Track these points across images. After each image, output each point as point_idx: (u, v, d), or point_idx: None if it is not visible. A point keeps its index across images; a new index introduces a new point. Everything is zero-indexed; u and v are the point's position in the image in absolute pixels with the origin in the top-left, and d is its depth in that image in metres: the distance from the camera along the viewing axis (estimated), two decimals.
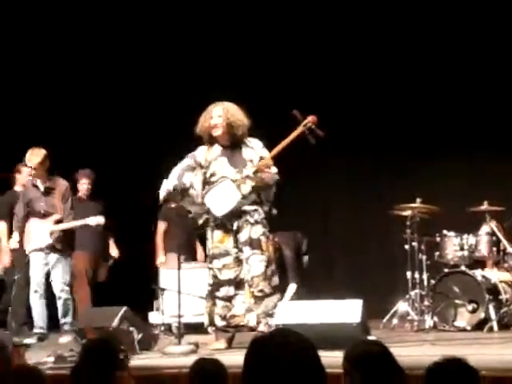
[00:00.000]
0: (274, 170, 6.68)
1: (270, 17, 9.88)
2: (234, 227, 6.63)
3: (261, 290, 6.60)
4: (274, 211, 6.73)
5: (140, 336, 6.62)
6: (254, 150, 6.71)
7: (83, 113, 10.22)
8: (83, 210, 8.59)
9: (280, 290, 6.89)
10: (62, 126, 9.98)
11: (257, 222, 6.65)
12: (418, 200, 8.31)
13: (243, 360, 2.31)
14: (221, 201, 6.60)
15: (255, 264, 6.62)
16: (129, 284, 9.04)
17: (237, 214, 6.61)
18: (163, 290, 8.51)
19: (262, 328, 6.55)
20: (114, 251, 9.23)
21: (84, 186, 9.06)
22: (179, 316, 6.69)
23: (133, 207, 9.43)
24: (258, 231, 6.65)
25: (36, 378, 2.99)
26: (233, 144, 6.72)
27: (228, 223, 6.64)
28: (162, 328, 8.50)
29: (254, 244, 6.63)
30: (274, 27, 9.86)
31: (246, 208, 6.63)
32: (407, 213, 8.44)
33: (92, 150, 9.71)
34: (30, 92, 10.12)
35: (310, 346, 2.28)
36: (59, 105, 10.17)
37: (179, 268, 6.67)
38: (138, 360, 5.99)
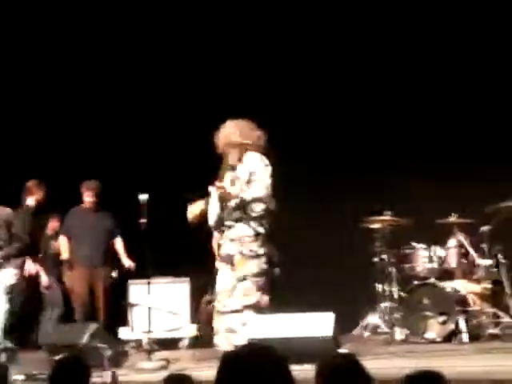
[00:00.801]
0: (234, 190, 6.64)
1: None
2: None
3: (224, 306, 6.58)
4: (261, 230, 6.65)
5: (110, 352, 6.57)
6: (246, 166, 6.71)
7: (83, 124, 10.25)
8: (91, 223, 8.60)
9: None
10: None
11: (232, 240, 6.64)
12: (388, 213, 8.35)
13: (215, 376, 2.30)
14: (211, 212, 6.72)
15: (222, 279, 6.62)
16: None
17: (220, 226, 6.65)
18: (133, 305, 8.48)
19: (219, 342, 6.53)
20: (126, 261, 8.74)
21: (88, 198, 8.76)
22: (149, 332, 6.65)
23: None
24: (233, 248, 6.63)
25: None
26: (233, 162, 6.75)
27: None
28: (133, 344, 8.46)
29: (226, 259, 6.63)
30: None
31: (226, 223, 6.66)
32: (377, 225, 8.48)
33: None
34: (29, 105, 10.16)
35: (282, 361, 2.27)
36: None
37: (149, 283, 6.64)
38: (109, 376, 5.94)
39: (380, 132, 9.68)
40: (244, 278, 6.57)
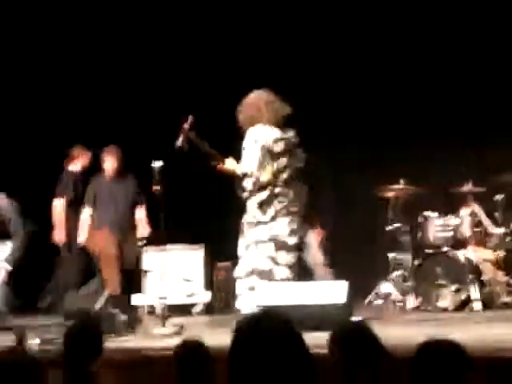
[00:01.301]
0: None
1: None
2: None
3: (235, 272, 6.74)
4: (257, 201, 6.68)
5: (124, 318, 6.62)
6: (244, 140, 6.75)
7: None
8: (111, 191, 8.40)
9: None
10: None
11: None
12: (402, 182, 8.34)
13: (230, 343, 2.32)
14: None
15: (238, 246, 6.75)
16: None
17: None
18: (147, 271, 8.52)
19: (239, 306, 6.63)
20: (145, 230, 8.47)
21: (110, 164, 8.43)
22: (163, 298, 6.70)
23: None
24: (243, 217, 6.75)
25: (31, 364, 2.98)
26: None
27: None
28: (147, 310, 8.51)
29: (240, 227, 6.77)
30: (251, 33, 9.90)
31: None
32: (390, 194, 8.47)
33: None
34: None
35: (294, 328, 2.29)
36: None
37: (163, 250, 6.68)
38: (123, 342, 6.00)
39: (398, 103, 9.65)
40: (249, 246, 6.64)
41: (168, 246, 7.73)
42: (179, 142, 6.62)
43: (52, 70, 10.29)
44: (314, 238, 7.79)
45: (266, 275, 6.51)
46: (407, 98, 9.68)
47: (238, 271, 6.67)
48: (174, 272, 7.99)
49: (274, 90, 6.87)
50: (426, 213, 8.33)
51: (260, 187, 6.65)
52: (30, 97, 10.27)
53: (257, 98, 6.76)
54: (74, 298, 7.42)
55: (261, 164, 6.63)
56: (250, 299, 6.42)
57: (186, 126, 6.67)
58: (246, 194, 6.67)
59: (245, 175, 6.66)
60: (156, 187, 6.76)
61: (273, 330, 2.25)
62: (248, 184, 6.66)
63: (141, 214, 8.48)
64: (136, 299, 8.81)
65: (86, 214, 8.39)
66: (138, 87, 10.30)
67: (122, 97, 10.30)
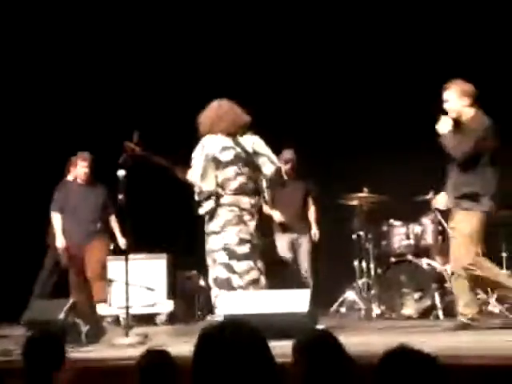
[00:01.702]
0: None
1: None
2: None
3: None
4: (201, 211, 6.73)
5: (87, 328, 6.56)
6: None
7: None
8: (83, 197, 8.43)
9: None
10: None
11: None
12: (366, 190, 8.38)
13: (193, 352, 2.29)
14: None
15: None
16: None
17: None
18: (111, 281, 8.46)
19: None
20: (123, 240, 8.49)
21: (83, 169, 8.51)
22: (127, 307, 6.65)
23: None
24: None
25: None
26: None
27: None
28: (110, 320, 8.45)
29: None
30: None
31: None
32: (355, 202, 8.50)
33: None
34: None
35: (260, 336, 2.27)
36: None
37: (127, 259, 6.63)
38: (86, 352, 5.94)
39: (362, 110, 9.71)
40: (208, 255, 6.71)
41: (131, 255, 7.67)
42: (121, 158, 6.70)
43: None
44: (306, 242, 8.03)
45: (225, 284, 6.52)
46: (370, 107, 9.74)
47: (209, 280, 6.74)
48: (137, 281, 7.94)
49: (243, 98, 6.88)
50: (390, 221, 8.38)
51: (205, 197, 6.65)
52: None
53: (214, 108, 6.78)
54: (36, 307, 7.33)
55: (204, 173, 6.63)
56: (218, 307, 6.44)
57: (128, 142, 6.74)
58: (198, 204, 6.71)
59: (193, 184, 6.71)
60: (120, 195, 6.72)
61: (238, 337, 2.23)
62: (196, 193, 6.69)
63: (115, 223, 8.58)
64: (100, 308, 8.76)
65: (58, 219, 8.39)
66: (101, 95, 10.25)
67: (84, 104, 10.25)
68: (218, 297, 6.50)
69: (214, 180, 6.64)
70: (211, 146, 6.67)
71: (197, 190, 6.69)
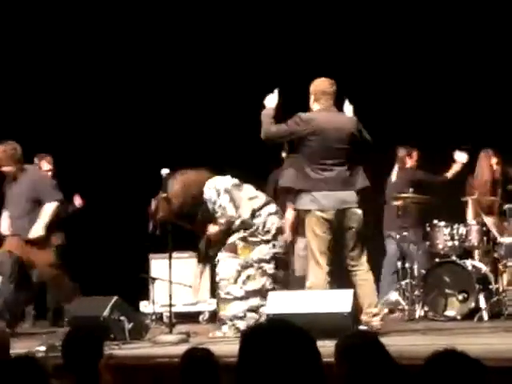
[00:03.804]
0: None
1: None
2: None
3: (228, 293, 6.71)
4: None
5: (131, 325, 6.62)
6: None
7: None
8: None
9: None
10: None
11: (233, 231, 6.84)
12: (411, 190, 8.32)
13: (238, 349, 2.29)
14: None
15: (225, 267, 6.76)
16: (120, 273, 9.02)
17: None
18: (154, 279, 8.51)
19: (226, 331, 6.67)
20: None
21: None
22: (170, 305, 6.69)
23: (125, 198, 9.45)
24: (233, 236, 6.83)
25: (35, 368, 2.98)
26: None
27: None
28: (154, 317, 8.51)
29: (228, 248, 6.79)
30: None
31: None
32: (399, 202, 8.45)
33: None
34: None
35: (305, 334, 2.26)
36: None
37: (170, 258, 6.67)
38: (129, 349, 5.99)
39: (411, 112, 9.65)
40: (248, 265, 6.71)
41: (175, 254, 7.71)
42: (150, 227, 6.86)
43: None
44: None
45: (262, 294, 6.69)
46: (421, 104, 9.66)
47: (236, 291, 6.82)
48: (180, 280, 7.98)
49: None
50: (434, 221, 8.32)
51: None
52: None
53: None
54: (80, 303, 7.40)
55: (235, 203, 6.84)
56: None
57: (151, 210, 6.88)
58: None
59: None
60: (164, 195, 6.78)
61: (286, 336, 2.22)
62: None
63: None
64: (143, 306, 8.82)
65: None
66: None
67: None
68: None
69: (247, 204, 6.81)
70: (220, 183, 6.86)
71: (238, 222, 6.78)
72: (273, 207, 6.91)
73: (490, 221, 8.12)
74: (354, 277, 6.48)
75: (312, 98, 6.59)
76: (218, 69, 10.05)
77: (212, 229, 6.94)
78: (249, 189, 6.94)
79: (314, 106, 6.59)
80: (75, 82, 10.25)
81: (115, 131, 10.09)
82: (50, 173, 8.57)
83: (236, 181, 6.97)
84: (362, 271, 6.49)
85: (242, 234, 6.78)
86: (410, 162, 8.89)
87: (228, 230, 6.82)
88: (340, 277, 7.86)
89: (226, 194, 6.81)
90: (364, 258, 6.56)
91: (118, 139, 10.07)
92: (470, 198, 8.35)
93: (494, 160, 8.54)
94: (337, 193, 6.41)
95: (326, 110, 6.54)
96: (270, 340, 2.22)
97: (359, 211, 6.58)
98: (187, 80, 10.17)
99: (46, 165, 8.65)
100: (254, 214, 6.77)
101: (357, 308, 6.23)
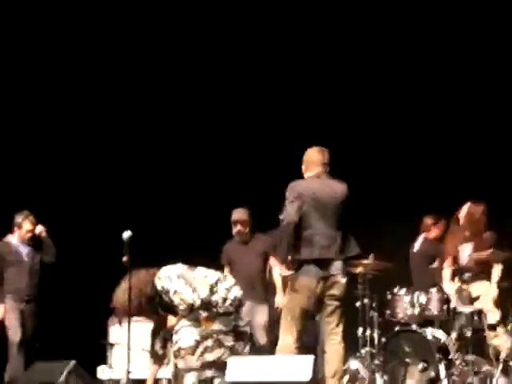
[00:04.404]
0: None
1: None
2: None
3: (185, 363, 6.69)
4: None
5: None
6: None
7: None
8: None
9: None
10: None
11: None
12: (371, 256, 8.34)
13: None
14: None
15: (184, 336, 6.72)
16: (78, 337, 8.90)
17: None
18: (112, 344, 8.41)
19: None
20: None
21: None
22: (128, 371, 6.60)
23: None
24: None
25: None
26: None
27: None
28: (111, 383, 8.38)
29: (190, 317, 6.77)
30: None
31: None
32: (359, 269, 8.46)
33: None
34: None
35: None
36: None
37: (129, 322, 6.60)
38: None
39: (367, 181, 9.76)
40: (208, 336, 6.69)
41: (134, 318, 7.65)
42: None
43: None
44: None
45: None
46: (379, 173, 9.79)
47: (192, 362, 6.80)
48: (139, 344, 7.88)
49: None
50: (394, 289, 8.33)
51: None
52: None
53: None
54: (35, 369, 7.28)
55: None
56: None
57: (113, 305, 6.90)
58: None
59: None
60: (125, 258, 6.73)
61: None
62: None
63: None
64: (101, 372, 8.68)
65: None
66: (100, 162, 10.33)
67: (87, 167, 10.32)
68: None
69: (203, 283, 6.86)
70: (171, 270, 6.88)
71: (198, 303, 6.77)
72: (229, 281, 6.91)
73: (450, 288, 8.14)
74: (326, 345, 6.47)
75: (303, 167, 6.75)
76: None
77: (170, 321, 6.95)
78: (200, 269, 6.96)
79: (307, 175, 6.72)
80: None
81: (77, 196, 10.07)
82: (29, 234, 8.45)
83: (185, 266, 6.96)
84: (335, 340, 6.48)
85: (203, 312, 6.76)
86: (435, 232, 8.82)
87: (189, 314, 6.78)
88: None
89: (179, 279, 6.79)
90: (340, 328, 6.55)
91: (80, 203, 10.04)
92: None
93: None
94: (325, 260, 6.43)
95: (317, 176, 6.61)
96: None
97: (343, 280, 6.60)
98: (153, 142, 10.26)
99: (27, 224, 8.49)
100: (212, 290, 6.75)
101: (317, 377, 6.19)
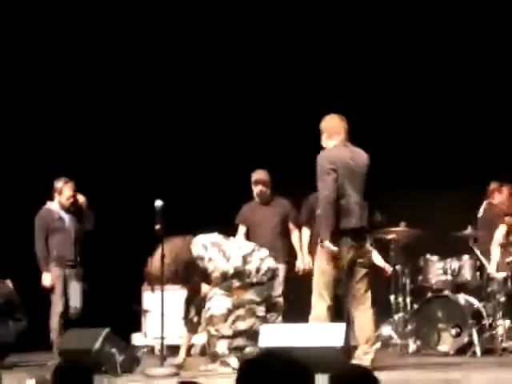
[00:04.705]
0: None
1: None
2: None
3: (217, 330, 6.75)
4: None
5: (122, 358, 6.58)
6: None
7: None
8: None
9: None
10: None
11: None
12: (402, 224, 8.32)
13: (236, 380, 2.27)
14: None
15: (217, 304, 6.77)
16: (112, 305, 8.98)
17: None
18: (146, 311, 8.48)
19: (217, 365, 6.68)
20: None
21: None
22: (162, 338, 6.66)
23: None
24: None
25: None
26: None
27: None
28: (145, 350, 8.46)
29: (223, 285, 6.81)
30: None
31: None
32: (391, 236, 8.45)
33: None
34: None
35: (305, 369, 2.24)
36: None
37: (162, 290, 6.65)
38: (121, 382, 5.96)
39: (401, 144, 9.68)
40: (240, 305, 6.73)
41: (167, 286, 7.71)
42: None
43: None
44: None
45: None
46: (413, 140, 9.71)
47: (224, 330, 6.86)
48: (172, 312, 7.94)
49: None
50: (426, 256, 8.31)
51: None
52: None
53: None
54: (72, 335, 7.36)
55: None
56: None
57: (147, 270, 6.94)
58: None
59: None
60: (157, 226, 6.76)
61: (279, 369, 2.20)
62: None
63: None
64: (135, 338, 8.77)
65: None
66: (137, 128, 10.36)
67: (124, 138, 10.36)
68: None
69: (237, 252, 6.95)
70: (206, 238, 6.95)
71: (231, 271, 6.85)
72: (263, 252, 6.93)
73: (496, 252, 8.07)
74: (355, 311, 6.48)
75: (325, 134, 6.58)
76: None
77: (204, 288, 6.96)
78: (235, 239, 6.99)
79: (329, 142, 6.56)
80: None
81: (109, 166, 10.12)
82: (70, 199, 8.22)
83: (221, 235, 7.01)
84: (365, 306, 6.49)
85: (236, 281, 6.80)
86: (498, 198, 8.66)
87: (223, 281, 6.82)
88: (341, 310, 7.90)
89: (214, 247, 6.84)
90: (368, 294, 6.55)
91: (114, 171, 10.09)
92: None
93: None
94: (359, 229, 6.42)
95: (343, 145, 6.54)
96: (268, 373, 2.20)
97: (369, 247, 6.60)
98: (183, 108, 10.27)
99: (67, 190, 8.24)
100: (245, 260, 6.78)
101: (350, 344, 6.21)
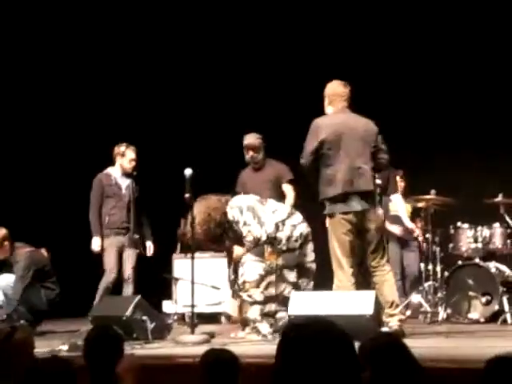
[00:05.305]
0: None
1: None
2: None
3: (249, 296, 6.76)
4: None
5: (153, 325, 6.63)
6: None
7: None
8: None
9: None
10: None
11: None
12: (433, 192, 8.28)
13: (277, 348, 2.26)
14: None
15: (249, 270, 6.78)
16: (143, 273, 9.04)
17: None
18: (177, 279, 8.53)
19: (248, 332, 6.72)
20: None
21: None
22: (192, 305, 6.70)
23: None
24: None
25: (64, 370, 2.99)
26: None
27: None
28: (176, 317, 8.52)
29: (255, 251, 6.80)
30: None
31: None
32: (421, 204, 8.41)
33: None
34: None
35: (347, 336, 2.24)
36: None
37: (193, 258, 6.68)
38: (152, 349, 6.01)
39: (430, 112, 9.61)
40: (272, 271, 6.73)
41: (197, 254, 7.75)
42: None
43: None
44: None
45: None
46: (441, 107, 9.64)
47: (256, 295, 6.87)
48: (203, 279, 7.99)
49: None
50: (457, 223, 8.28)
51: None
52: None
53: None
54: (104, 302, 7.43)
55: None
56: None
57: (180, 231, 7.16)
58: None
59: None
60: (187, 194, 6.77)
61: (323, 336, 2.19)
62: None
63: None
64: (166, 306, 8.84)
65: None
66: (170, 97, 10.38)
67: (151, 107, 10.38)
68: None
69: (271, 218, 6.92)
70: (243, 201, 6.93)
71: (264, 238, 6.81)
72: (297, 218, 6.90)
73: None
74: (376, 277, 6.48)
75: (326, 101, 6.59)
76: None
77: (237, 250, 6.96)
78: (271, 203, 6.96)
79: (328, 108, 6.58)
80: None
81: (139, 132, 10.14)
82: (133, 163, 8.12)
83: (257, 197, 6.99)
84: (383, 272, 6.48)
85: (268, 247, 6.81)
86: None
87: (255, 247, 6.83)
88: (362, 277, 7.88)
89: (249, 212, 6.82)
90: (385, 259, 6.54)
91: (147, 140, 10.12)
92: None
93: None
94: (359, 193, 6.39)
95: (341, 111, 6.52)
96: (313, 340, 2.19)
97: (380, 211, 6.57)
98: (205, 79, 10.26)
99: (130, 153, 8.14)
100: (278, 227, 6.78)
101: (379, 309, 6.22)
